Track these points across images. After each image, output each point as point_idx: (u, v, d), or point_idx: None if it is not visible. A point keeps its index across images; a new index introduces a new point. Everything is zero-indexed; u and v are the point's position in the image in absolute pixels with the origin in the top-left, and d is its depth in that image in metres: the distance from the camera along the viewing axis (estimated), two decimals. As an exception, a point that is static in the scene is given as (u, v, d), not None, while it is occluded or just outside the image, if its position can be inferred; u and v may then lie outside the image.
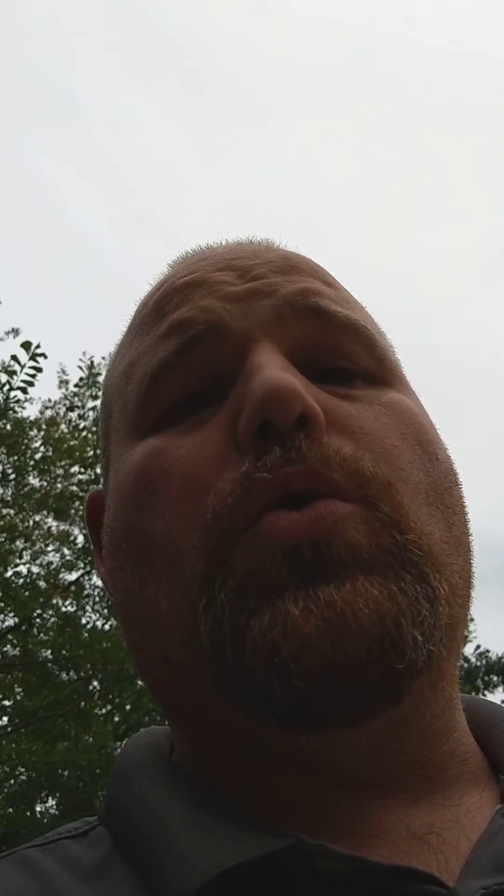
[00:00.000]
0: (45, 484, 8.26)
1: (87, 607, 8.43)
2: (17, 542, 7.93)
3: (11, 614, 7.75)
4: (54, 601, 7.79)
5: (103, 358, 8.45)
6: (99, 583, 8.05)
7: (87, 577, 8.18)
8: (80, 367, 8.62)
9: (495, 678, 11.29)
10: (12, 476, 8.07)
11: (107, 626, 7.95)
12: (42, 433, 8.51)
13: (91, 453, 8.22)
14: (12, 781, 9.00)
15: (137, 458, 0.51)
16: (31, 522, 8.16)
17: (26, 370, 6.34)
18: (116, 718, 8.60)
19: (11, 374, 6.56)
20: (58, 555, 8.27)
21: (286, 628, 0.41)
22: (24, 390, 6.62)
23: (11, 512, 7.98)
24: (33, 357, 6.27)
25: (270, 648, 0.41)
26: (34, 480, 8.29)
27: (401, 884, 0.39)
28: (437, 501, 0.49)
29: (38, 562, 8.21)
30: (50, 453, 8.31)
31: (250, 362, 0.48)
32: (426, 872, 0.40)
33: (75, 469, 8.34)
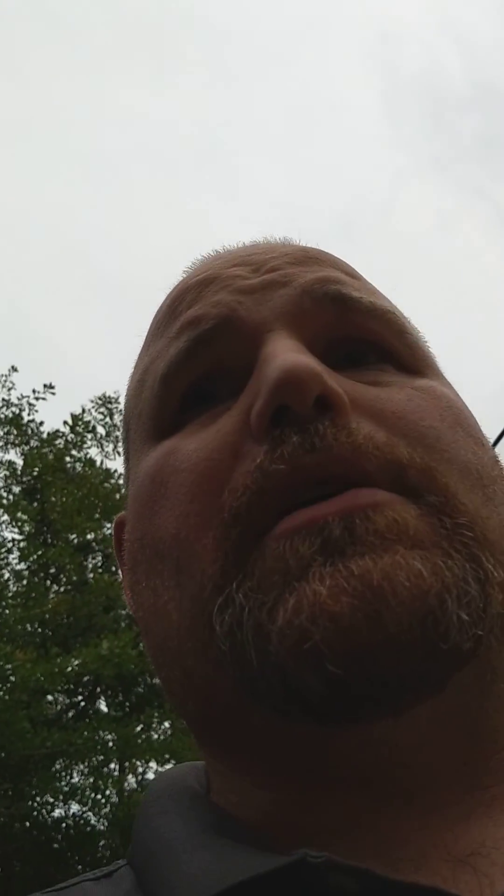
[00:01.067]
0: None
1: None
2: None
3: None
4: None
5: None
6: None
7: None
8: None
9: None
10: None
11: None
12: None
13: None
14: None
15: (151, 463, 0.49)
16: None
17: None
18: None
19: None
20: None
21: (314, 611, 0.37)
22: None
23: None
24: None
25: (299, 635, 0.37)
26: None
27: None
28: (491, 485, 0.45)
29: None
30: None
31: (265, 351, 0.46)
32: (452, 894, 0.35)
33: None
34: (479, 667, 0.41)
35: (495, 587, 0.41)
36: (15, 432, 10.40)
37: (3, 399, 10.45)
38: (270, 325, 0.47)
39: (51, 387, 10.34)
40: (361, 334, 0.49)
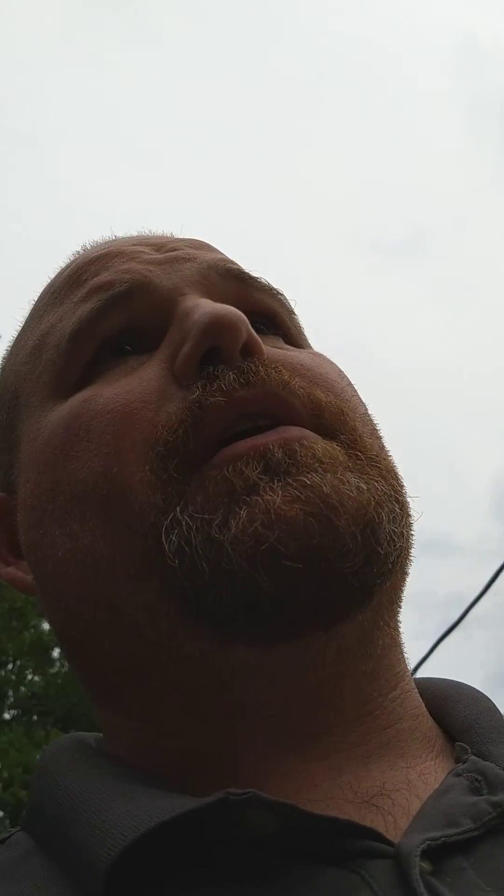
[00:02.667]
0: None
1: None
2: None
3: None
4: None
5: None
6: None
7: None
8: None
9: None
10: None
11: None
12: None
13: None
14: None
15: (64, 413, 0.49)
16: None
17: None
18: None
19: None
20: None
21: (269, 517, 0.40)
22: None
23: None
24: None
25: (255, 540, 0.40)
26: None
27: (340, 841, 0.37)
28: (378, 438, 0.51)
29: None
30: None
31: (183, 306, 0.48)
32: (368, 828, 0.38)
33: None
34: (390, 592, 0.46)
35: (408, 513, 0.47)
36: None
37: None
38: (182, 290, 0.50)
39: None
40: (260, 308, 0.53)
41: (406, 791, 0.42)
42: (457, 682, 0.53)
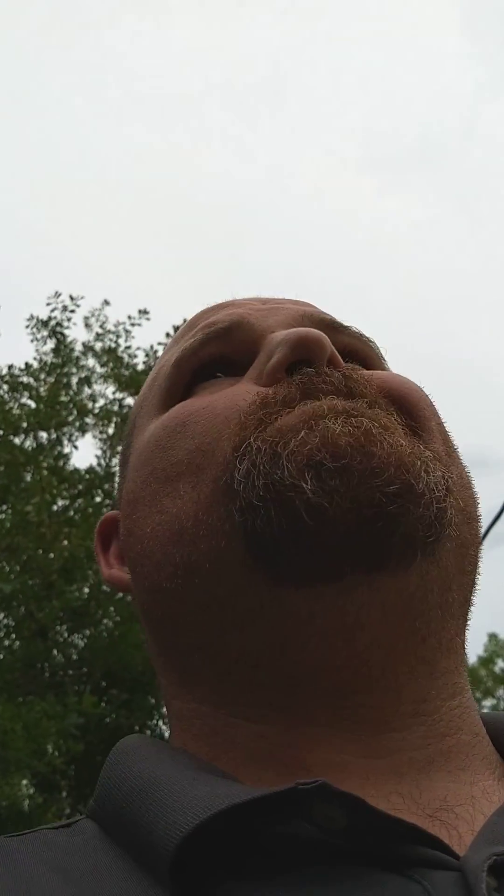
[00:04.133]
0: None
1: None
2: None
3: None
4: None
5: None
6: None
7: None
8: None
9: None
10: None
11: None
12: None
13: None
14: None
15: (164, 418, 0.55)
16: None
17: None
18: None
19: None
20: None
21: (325, 439, 0.45)
22: None
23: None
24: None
25: (308, 453, 0.44)
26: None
27: (403, 846, 0.37)
28: (451, 451, 0.53)
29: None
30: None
31: (271, 337, 0.54)
32: (434, 836, 0.38)
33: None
34: (439, 565, 0.47)
35: (454, 490, 0.48)
36: (111, 364, 10.33)
37: (98, 332, 10.36)
38: (274, 329, 0.56)
39: (145, 312, 10.21)
40: (352, 351, 0.59)
41: (470, 806, 0.42)
42: None
